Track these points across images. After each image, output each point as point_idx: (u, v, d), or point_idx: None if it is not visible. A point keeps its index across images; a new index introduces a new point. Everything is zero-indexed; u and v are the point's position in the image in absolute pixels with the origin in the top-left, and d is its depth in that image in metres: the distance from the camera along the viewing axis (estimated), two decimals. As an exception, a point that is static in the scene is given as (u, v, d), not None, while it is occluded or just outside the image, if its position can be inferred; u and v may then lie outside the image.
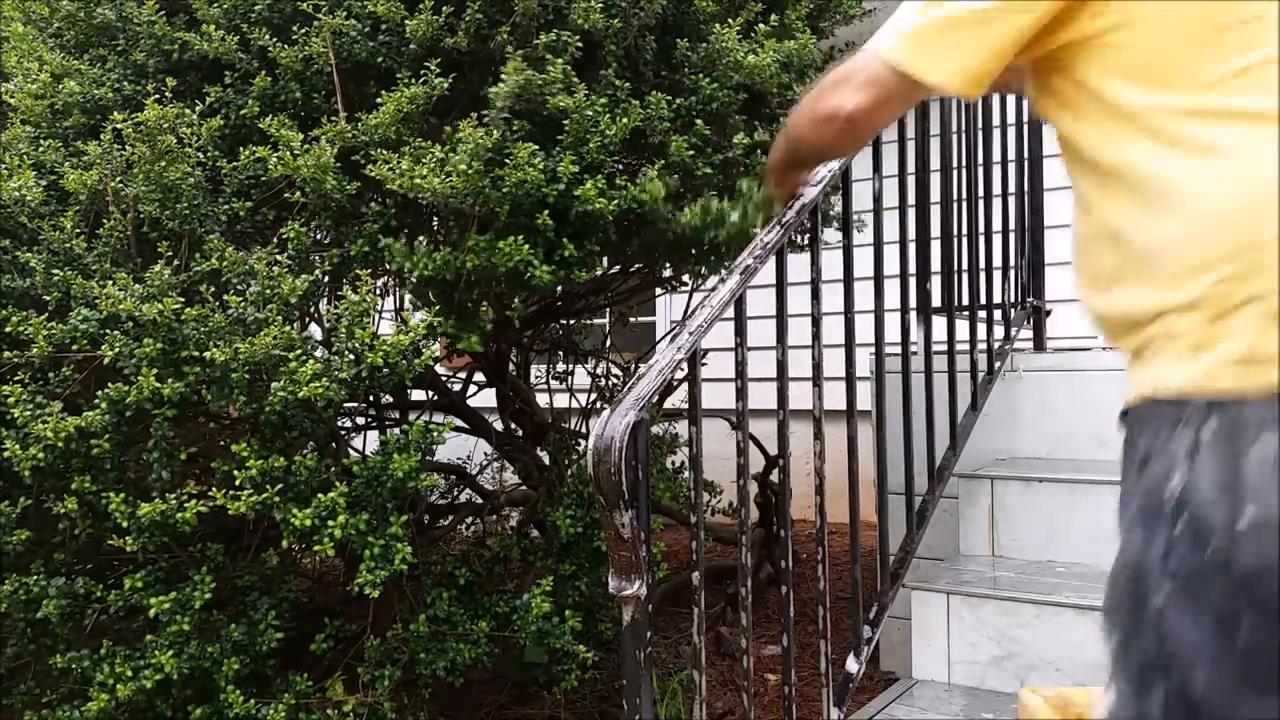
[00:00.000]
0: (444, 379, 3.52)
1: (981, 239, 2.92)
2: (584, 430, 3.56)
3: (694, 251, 2.64)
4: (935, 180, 2.65)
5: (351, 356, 2.20)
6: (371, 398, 3.01)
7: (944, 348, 2.66)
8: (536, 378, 3.86)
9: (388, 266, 2.63)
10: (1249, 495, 0.86)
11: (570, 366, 3.84)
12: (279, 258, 2.30)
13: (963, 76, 1.12)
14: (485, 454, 3.77)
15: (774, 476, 3.84)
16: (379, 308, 2.55)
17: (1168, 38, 0.99)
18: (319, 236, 2.62)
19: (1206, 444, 0.90)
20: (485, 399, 3.54)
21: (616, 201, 2.31)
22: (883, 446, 2.32)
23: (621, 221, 2.48)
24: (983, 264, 2.91)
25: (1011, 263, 3.14)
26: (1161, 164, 0.98)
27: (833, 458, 2.08)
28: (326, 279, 2.68)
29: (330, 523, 2.09)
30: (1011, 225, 3.16)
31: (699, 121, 2.46)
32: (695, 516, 1.77)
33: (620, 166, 2.52)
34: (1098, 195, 1.06)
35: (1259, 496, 0.86)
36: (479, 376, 3.54)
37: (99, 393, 2.15)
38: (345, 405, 2.81)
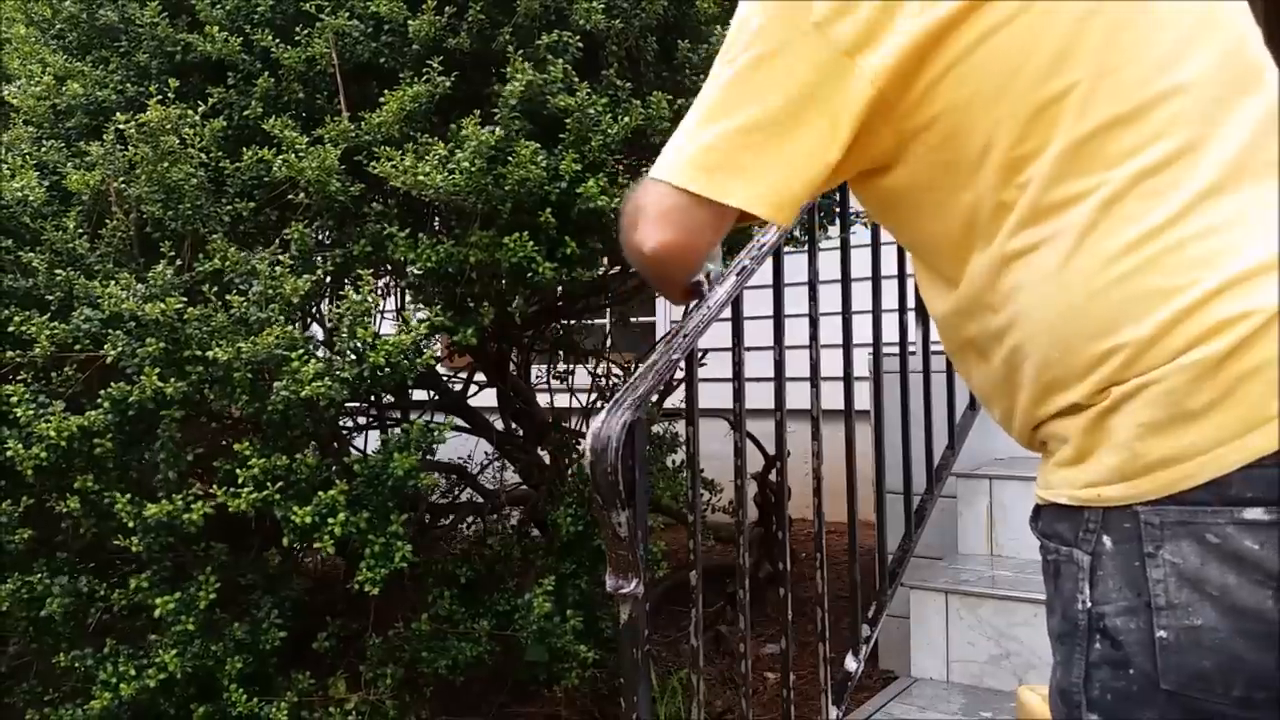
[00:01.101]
0: (445, 379, 3.53)
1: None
2: (584, 430, 3.56)
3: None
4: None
5: (353, 356, 2.21)
6: (373, 397, 3.02)
7: (942, 347, 2.66)
8: (537, 377, 3.87)
9: (389, 263, 2.65)
10: (1164, 604, 0.79)
11: (571, 366, 3.84)
12: (281, 258, 2.31)
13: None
14: (486, 453, 3.77)
15: (773, 476, 3.85)
16: (381, 308, 2.56)
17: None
18: (322, 237, 2.64)
19: (1108, 554, 0.83)
20: (486, 399, 3.55)
21: (618, 199, 2.32)
22: (881, 446, 2.33)
23: (622, 220, 2.49)
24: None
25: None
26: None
27: (831, 457, 2.09)
28: (329, 279, 2.69)
29: (330, 520, 2.10)
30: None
31: (699, 122, 2.46)
32: (693, 516, 1.78)
33: (622, 165, 2.53)
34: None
35: (1174, 604, 0.79)
36: (480, 376, 3.54)
37: (101, 392, 2.16)
38: (347, 405, 2.82)
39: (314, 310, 3.00)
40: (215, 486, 2.14)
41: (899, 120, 0.90)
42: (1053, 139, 0.84)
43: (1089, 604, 0.84)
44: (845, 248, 2.23)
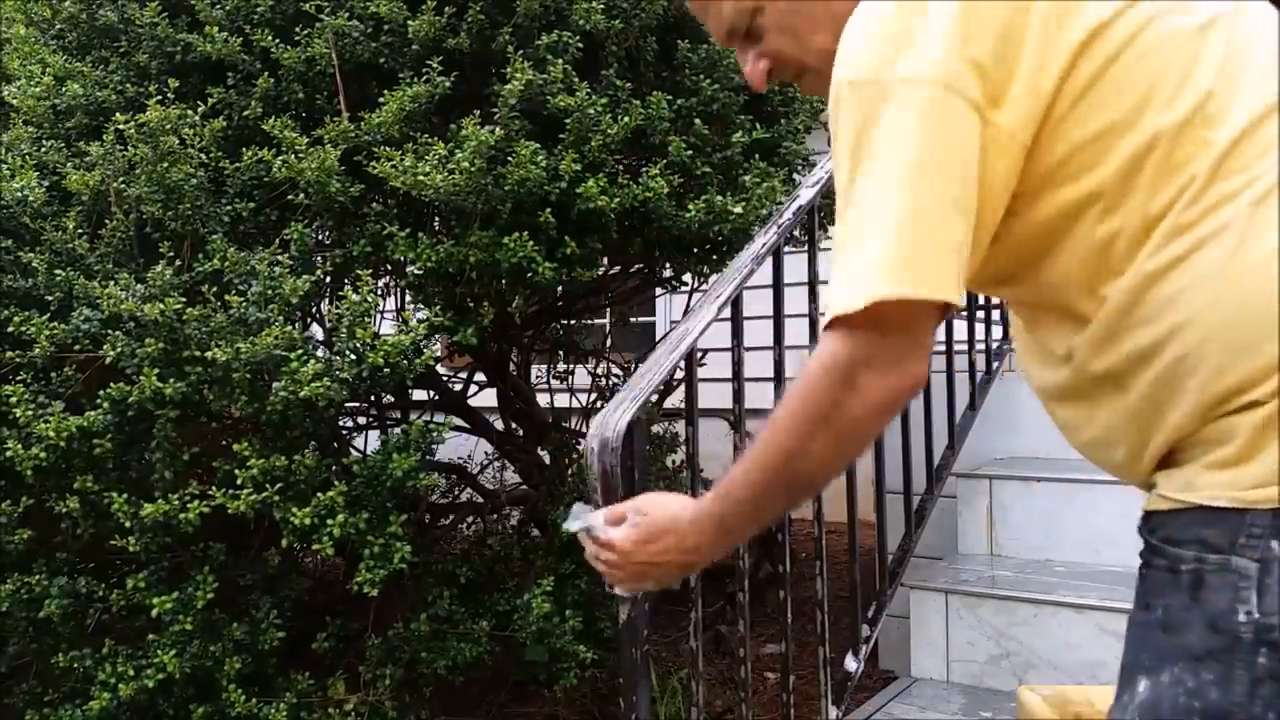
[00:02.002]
0: (445, 379, 3.53)
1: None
2: (584, 430, 3.56)
3: (695, 250, 2.65)
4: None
5: (353, 356, 2.21)
6: (373, 397, 3.02)
7: (942, 347, 2.66)
8: (537, 377, 3.87)
9: (389, 263, 2.65)
10: None
11: (571, 366, 3.84)
12: (281, 258, 2.31)
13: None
14: (486, 453, 3.77)
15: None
16: (380, 308, 2.56)
17: None
18: (321, 237, 2.64)
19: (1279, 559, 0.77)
20: (486, 399, 3.55)
21: (618, 199, 2.32)
22: (881, 446, 2.33)
23: (623, 220, 2.49)
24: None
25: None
26: None
27: (831, 457, 2.09)
28: (328, 279, 2.69)
29: (329, 521, 2.10)
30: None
31: (697, 121, 2.47)
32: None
33: (621, 165, 2.53)
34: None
35: None
36: (480, 376, 3.54)
37: (101, 392, 2.16)
38: (346, 405, 2.82)
39: (314, 310, 3.00)
40: (215, 488, 2.14)
41: (1031, 162, 0.88)
42: (1200, 151, 0.83)
43: (1255, 615, 0.78)
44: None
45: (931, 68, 0.86)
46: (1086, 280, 0.89)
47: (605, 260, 2.97)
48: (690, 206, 2.39)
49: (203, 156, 2.43)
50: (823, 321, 0.93)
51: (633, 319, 4.47)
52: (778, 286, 1.98)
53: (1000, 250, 0.93)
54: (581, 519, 1.14)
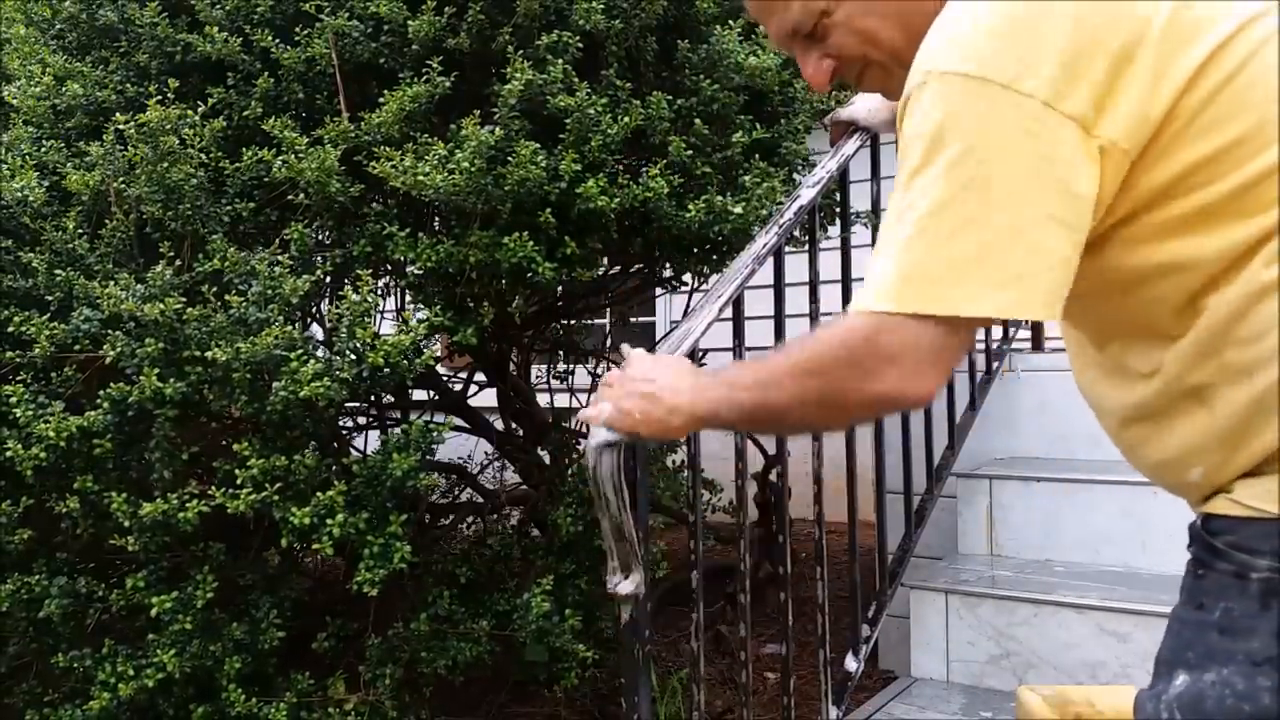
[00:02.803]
0: (445, 379, 3.53)
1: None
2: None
3: (695, 250, 2.65)
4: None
5: (353, 356, 2.20)
6: (373, 397, 3.02)
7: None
8: (537, 377, 3.87)
9: (389, 263, 2.65)
10: None
11: (571, 366, 3.85)
12: (281, 258, 2.31)
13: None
14: (486, 453, 3.77)
15: (773, 476, 3.85)
16: (380, 308, 2.56)
17: None
18: (321, 237, 2.64)
19: None
20: (486, 399, 3.55)
21: (618, 199, 2.32)
22: (881, 446, 2.33)
23: (623, 220, 2.49)
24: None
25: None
26: None
27: (831, 457, 2.09)
28: (328, 279, 2.69)
29: (329, 521, 2.10)
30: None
31: (697, 121, 2.47)
32: (694, 516, 1.78)
33: (621, 165, 2.53)
34: None
35: None
36: (480, 376, 3.54)
37: (101, 392, 2.16)
38: (346, 405, 2.82)
39: (314, 310, 3.00)
40: (214, 487, 2.14)
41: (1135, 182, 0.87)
42: None
43: None
44: (845, 248, 2.23)
45: (1033, 76, 0.84)
46: (1186, 294, 0.88)
47: (605, 260, 2.97)
48: (690, 206, 2.39)
49: (203, 156, 2.43)
50: (872, 295, 0.91)
51: (633, 319, 4.47)
52: (778, 287, 1.98)
53: (1090, 268, 0.91)
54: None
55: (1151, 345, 0.92)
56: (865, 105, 1.97)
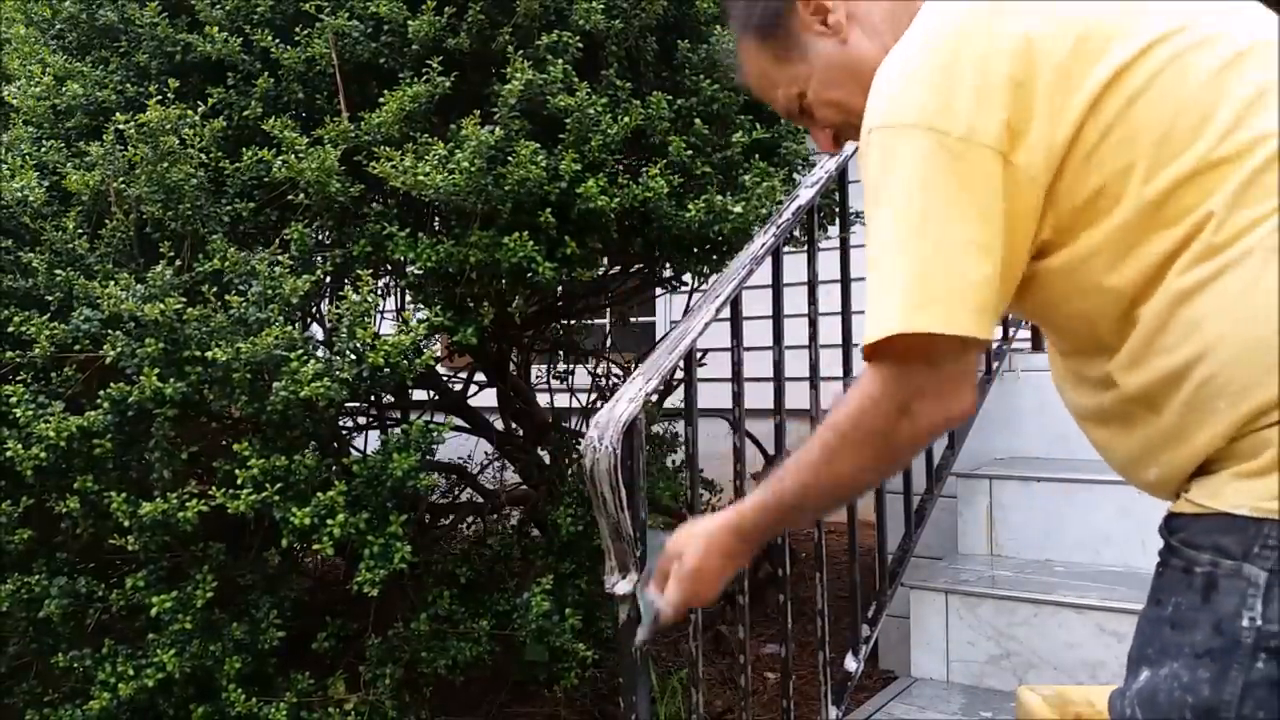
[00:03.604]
0: (445, 379, 3.53)
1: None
2: (584, 430, 3.56)
3: (695, 250, 2.65)
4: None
5: (353, 356, 2.21)
6: (373, 397, 3.02)
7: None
8: (537, 377, 3.87)
9: (389, 263, 2.65)
10: None
11: (571, 366, 3.84)
12: (281, 258, 2.31)
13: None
14: (486, 453, 3.77)
15: (774, 476, 3.84)
16: (380, 308, 2.56)
17: None
18: (321, 237, 2.64)
19: None
20: (486, 399, 3.55)
21: (618, 199, 2.32)
22: (881, 446, 2.32)
23: (623, 220, 2.49)
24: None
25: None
26: None
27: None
28: (329, 279, 2.69)
29: (329, 521, 2.10)
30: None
31: (697, 121, 2.47)
32: (693, 516, 1.78)
33: (621, 166, 2.53)
34: None
35: None
36: (480, 376, 3.54)
37: (101, 392, 2.16)
38: (347, 405, 2.82)
39: (314, 310, 3.00)
40: (214, 487, 2.14)
41: (1059, 202, 0.92)
42: (1223, 183, 0.86)
43: (1258, 622, 0.82)
44: (845, 248, 2.23)
45: (949, 114, 0.91)
46: (1119, 309, 0.92)
47: (605, 260, 2.97)
48: (690, 206, 2.39)
49: (203, 156, 2.43)
50: (861, 349, 0.99)
51: (633, 319, 4.47)
52: (777, 287, 1.98)
53: (1034, 287, 0.98)
54: (645, 609, 1.31)
55: (1097, 357, 0.97)
56: None
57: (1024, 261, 0.95)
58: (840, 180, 2.19)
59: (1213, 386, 0.86)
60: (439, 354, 3.59)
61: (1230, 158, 0.86)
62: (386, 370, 2.18)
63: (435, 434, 2.29)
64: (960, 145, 0.90)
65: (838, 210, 2.46)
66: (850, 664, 2.18)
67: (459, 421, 3.31)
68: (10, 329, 2.24)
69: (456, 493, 3.58)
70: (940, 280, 0.91)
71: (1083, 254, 0.92)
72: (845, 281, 2.20)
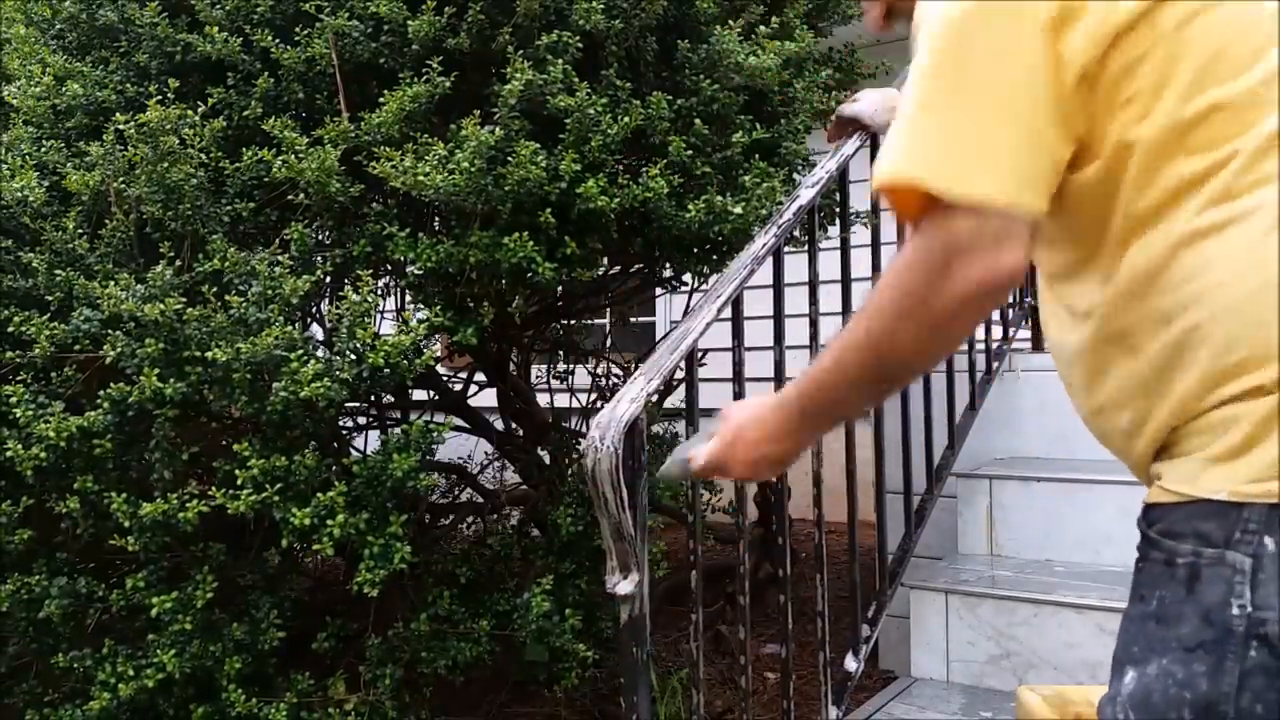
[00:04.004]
0: (445, 379, 3.53)
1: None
2: (584, 430, 3.56)
3: (695, 250, 2.65)
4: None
5: (353, 356, 2.21)
6: (373, 397, 3.02)
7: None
8: (537, 377, 3.87)
9: (389, 263, 2.65)
10: None
11: (571, 366, 3.85)
12: (281, 258, 2.31)
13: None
14: (486, 453, 3.77)
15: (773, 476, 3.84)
16: (380, 308, 2.56)
17: None
18: (322, 237, 2.64)
19: (1270, 556, 0.79)
20: (486, 399, 3.55)
21: (618, 199, 2.32)
22: (881, 446, 2.33)
23: (623, 220, 2.49)
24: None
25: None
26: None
27: (831, 458, 2.09)
28: (329, 279, 2.69)
29: (329, 522, 2.10)
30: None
31: (697, 121, 2.47)
32: (693, 517, 1.78)
33: (621, 166, 2.53)
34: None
35: None
36: (480, 376, 3.54)
37: (101, 393, 2.16)
38: (347, 405, 2.82)
39: (314, 310, 3.00)
40: (214, 488, 2.14)
41: (1098, 104, 0.88)
42: (1253, 127, 0.83)
43: (1248, 609, 0.80)
44: (845, 248, 2.23)
45: None
46: (1123, 233, 0.90)
47: (605, 260, 2.97)
48: (690, 206, 2.39)
49: (203, 156, 2.43)
50: (882, 181, 0.92)
51: (633, 319, 4.47)
52: (778, 287, 1.98)
53: (1064, 199, 0.93)
54: (674, 459, 1.24)
55: (1093, 284, 0.94)
56: (869, 103, 1.95)
57: (1062, 142, 0.90)
58: (841, 180, 2.19)
59: (1198, 334, 0.84)
60: (439, 354, 3.59)
61: (1272, 101, 0.83)
62: (386, 370, 2.18)
63: (435, 434, 2.29)
64: (1009, 9, 0.87)
65: (838, 210, 2.46)
66: (850, 664, 2.18)
67: (459, 421, 3.31)
68: (10, 329, 2.24)
69: (456, 493, 3.59)
70: (976, 136, 0.87)
71: (1111, 166, 0.89)
72: (846, 281, 2.20)
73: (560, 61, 2.35)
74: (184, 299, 2.18)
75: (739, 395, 1.90)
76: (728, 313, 1.81)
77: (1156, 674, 0.85)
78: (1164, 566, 0.87)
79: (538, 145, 2.27)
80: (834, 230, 2.68)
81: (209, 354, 2.10)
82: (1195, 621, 0.83)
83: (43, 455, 2.13)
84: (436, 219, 2.72)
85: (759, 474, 1.18)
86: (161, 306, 2.12)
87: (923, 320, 0.91)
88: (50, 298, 2.32)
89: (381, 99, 2.34)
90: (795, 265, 2.05)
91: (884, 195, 0.93)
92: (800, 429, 1.12)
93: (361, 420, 3.38)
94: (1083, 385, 1.00)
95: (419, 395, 3.37)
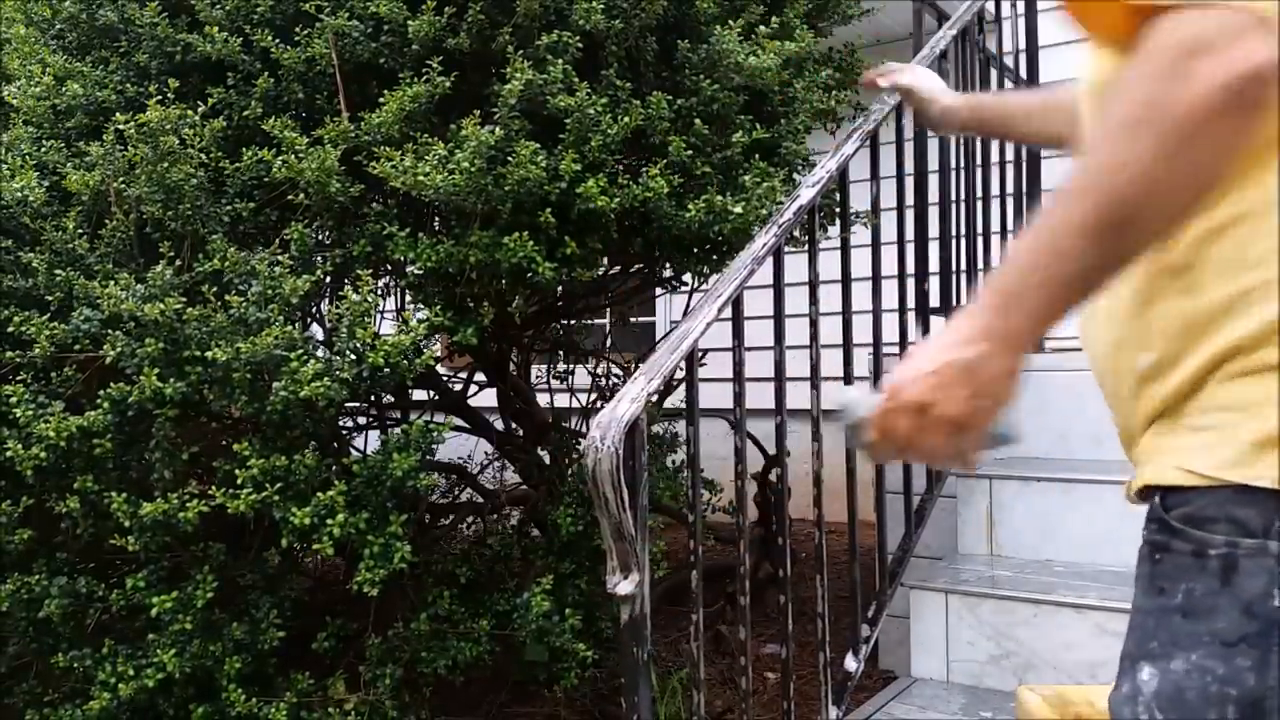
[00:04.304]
0: (445, 379, 3.53)
1: (980, 239, 2.93)
2: (584, 430, 3.56)
3: (695, 250, 2.65)
4: (934, 181, 2.66)
5: (353, 356, 2.21)
6: (373, 397, 3.02)
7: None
8: (537, 377, 3.87)
9: (389, 263, 2.65)
10: None
11: (571, 366, 3.85)
12: (281, 258, 2.31)
13: None
14: (486, 453, 3.77)
15: (773, 476, 3.85)
16: (380, 308, 2.56)
17: None
18: (321, 237, 2.64)
19: None
20: (486, 399, 3.55)
21: (618, 199, 2.32)
22: (881, 446, 2.32)
23: (623, 220, 2.49)
24: (981, 265, 2.92)
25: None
26: None
27: (831, 458, 2.09)
28: (329, 279, 2.69)
29: (329, 521, 2.10)
30: (1010, 226, 3.17)
31: (697, 121, 2.47)
32: (694, 517, 1.78)
33: (621, 166, 2.53)
34: None
35: None
36: (480, 376, 3.54)
37: (101, 392, 2.16)
38: (347, 405, 2.82)
39: (314, 310, 3.00)
40: (214, 487, 2.15)
41: None
42: None
43: None
44: (845, 248, 2.23)
45: None
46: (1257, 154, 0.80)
47: (605, 260, 2.97)
48: (690, 206, 2.39)
49: (203, 156, 2.43)
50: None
51: (633, 319, 4.47)
52: (778, 287, 1.98)
53: None
54: (851, 408, 0.94)
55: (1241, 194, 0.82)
56: (927, 80, 1.80)
57: None
58: (841, 180, 2.19)
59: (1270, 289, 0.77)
60: (439, 354, 3.59)
61: None
62: (386, 370, 2.18)
63: (435, 434, 2.30)
64: None
65: (838, 210, 2.46)
66: (850, 664, 2.18)
67: (459, 421, 3.31)
68: (10, 329, 2.24)
69: (456, 493, 3.59)
70: None
71: None
72: (846, 281, 2.20)
73: (560, 61, 2.35)
74: (184, 299, 2.18)
75: (739, 395, 1.90)
76: (728, 312, 1.81)
77: (1187, 670, 0.80)
78: (1191, 558, 0.81)
79: (538, 145, 2.27)
80: (834, 230, 2.68)
81: (209, 354, 2.10)
82: (1234, 615, 0.78)
83: (43, 455, 2.13)
84: (436, 219, 2.72)
85: (978, 396, 0.87)
86: (161, 306, 2.12)
87: (1164, 129, 0.74)
88: (50, 298, 2.32)
89: (381, 99, 2.34)
90: (795, 265, 2.05)
91: (1077, 15, 0.81)
92: (1007, 324, 0.83)
93: (361, 420, 3.38)
94: (1113, 312, 0.91)
95: (419, 395, 3.37)
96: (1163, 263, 0.85)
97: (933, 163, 2.66)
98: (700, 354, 1.76)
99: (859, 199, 2.28)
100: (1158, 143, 0.74)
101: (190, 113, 2.43)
